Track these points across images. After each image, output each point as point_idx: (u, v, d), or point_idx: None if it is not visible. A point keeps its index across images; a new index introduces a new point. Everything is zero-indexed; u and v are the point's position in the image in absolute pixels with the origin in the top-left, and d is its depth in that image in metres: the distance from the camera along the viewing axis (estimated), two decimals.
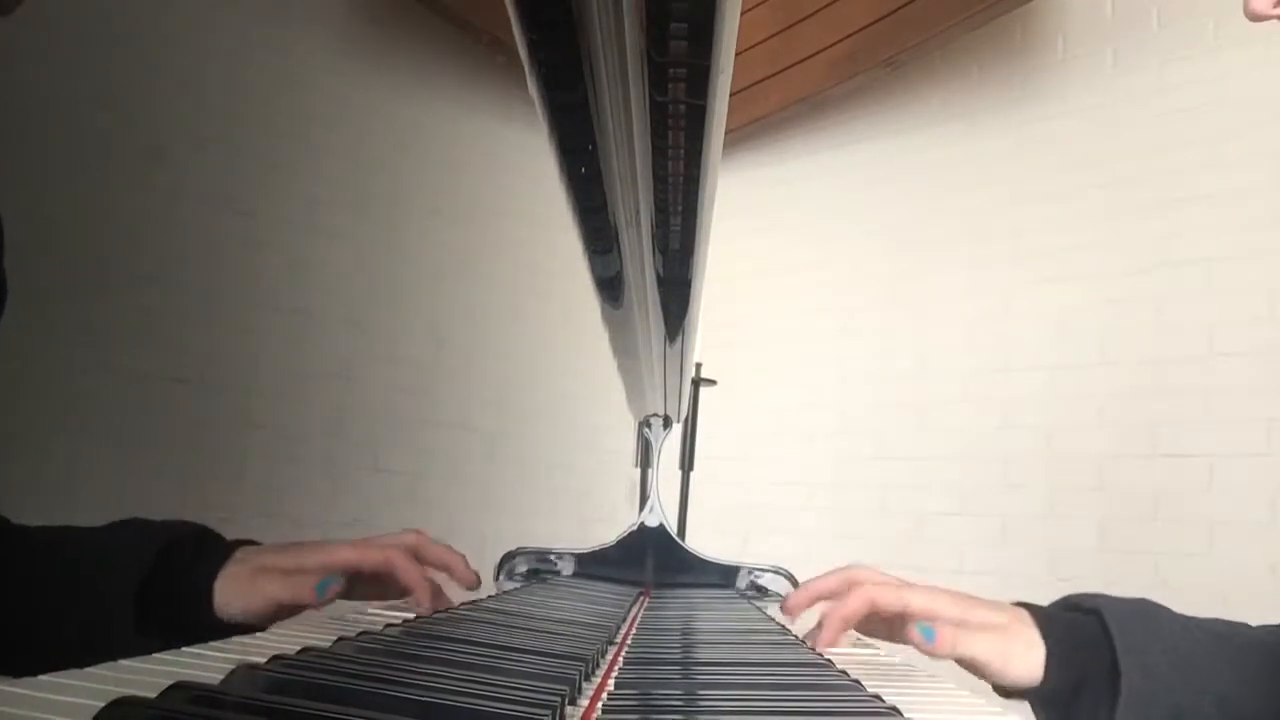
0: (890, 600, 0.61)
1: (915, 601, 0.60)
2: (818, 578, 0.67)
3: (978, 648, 0.56)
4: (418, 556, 0.64)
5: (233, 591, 0.57)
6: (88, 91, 1.88)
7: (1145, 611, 0.59)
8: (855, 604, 0.61)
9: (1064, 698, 0.57)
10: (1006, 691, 0.58)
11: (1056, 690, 0.56)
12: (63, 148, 1.82)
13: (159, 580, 0.57)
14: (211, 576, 0.58)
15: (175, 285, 2.02)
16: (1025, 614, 0.59)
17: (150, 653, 0.53)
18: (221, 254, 2.10)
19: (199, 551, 0.60)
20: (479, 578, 0.68)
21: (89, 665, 0.46)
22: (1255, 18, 0.55)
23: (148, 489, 1.89)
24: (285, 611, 0.58)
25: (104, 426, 1.88)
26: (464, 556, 0.67)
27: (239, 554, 0.60)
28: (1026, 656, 0.56)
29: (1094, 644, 0.57)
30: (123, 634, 0.56)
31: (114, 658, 0.52)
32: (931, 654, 0.56)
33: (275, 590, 0.57)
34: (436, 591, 0.64)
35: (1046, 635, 0.57)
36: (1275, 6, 0.54)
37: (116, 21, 1.94)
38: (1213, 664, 0.56)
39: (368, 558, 0.62)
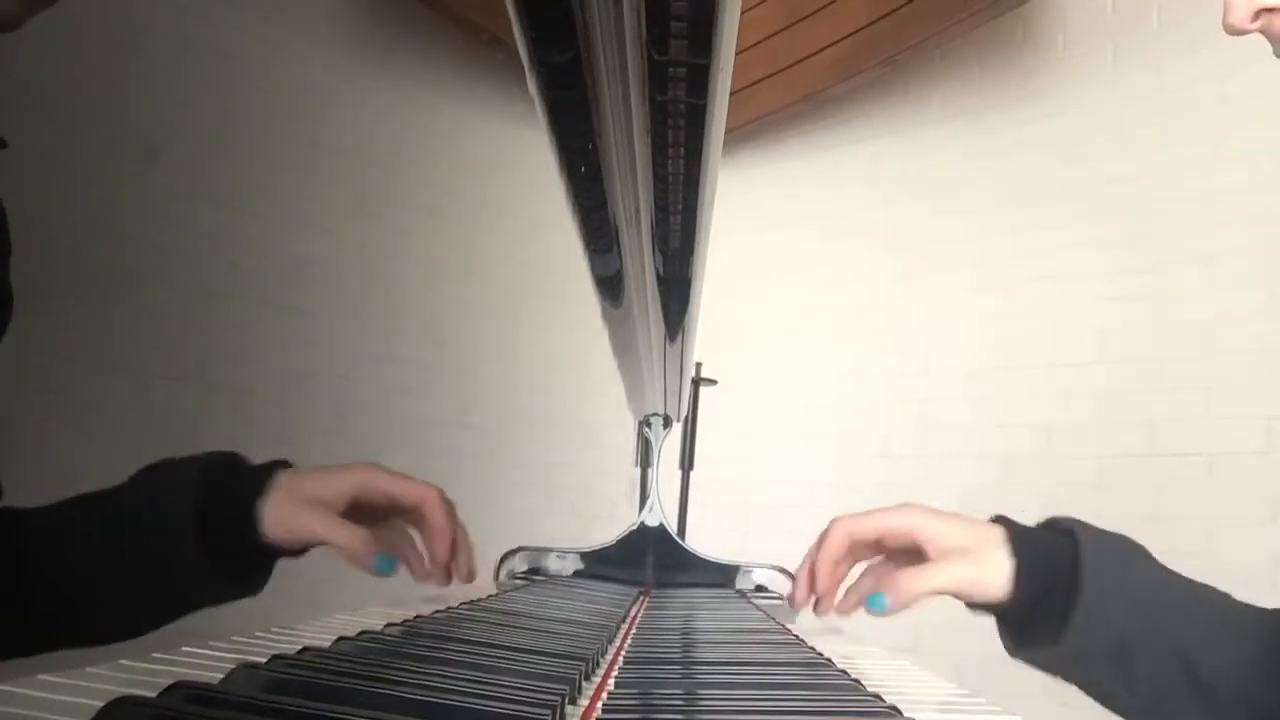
0: (867, 530, 0.62)
1: (892, 522, 0.61)
2: (807, 560, 0.66)
3: (948, 578, 0.58)
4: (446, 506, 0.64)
5: (276, 521, 0.58)
6: (86, 90, 1.88)
7: (1121, 544, 0.60)
8: (833, 540, 0.63)
9: (1023, 611, 0.58)
10: (974, 606, 0.60)
11: (1018, 604, 0.58)
12: (62, 147, 1.82)
13: (208, 515, 0.57)
14: (251, 502, 0.59)
15: (175, 285, 2.02)
16: (998, 532, 0.60)
17: (216, 590, 0.56)
18: (221, 253, 2.10)
19: (239, 478, 0.61)
20: (475, 575, 0.66)
21: (167, 618, 0.46)
22: (1233, 31, 0.55)
23: None
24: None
25: (103, 426, 1.88)
26: (470, 549, 0.66)
27: (281, 478, 0.61)
28: (994, 577, 0.58)
29: (1061, 563, 0.58)
30: (191, 576, 0.57)
31: (189, 605, 0.55)
32: (893, 613, 0.57)
33: (315, 527, 0.58)
34: (460, 547, 0.64)
35: (1017, 553, 0.58)
36: (1253, 20, 0.55)
37: (116, 21, 1.94)
38: (1176, 610, 0.57)
39: (406, 492, 0.62)
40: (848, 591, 0.63)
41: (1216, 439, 2.01)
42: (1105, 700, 0.58)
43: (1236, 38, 0.56)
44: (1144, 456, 2.11)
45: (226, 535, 0.58)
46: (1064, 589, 0.57)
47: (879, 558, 0.65)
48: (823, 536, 0.65)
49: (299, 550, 0.60)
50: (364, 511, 0.62)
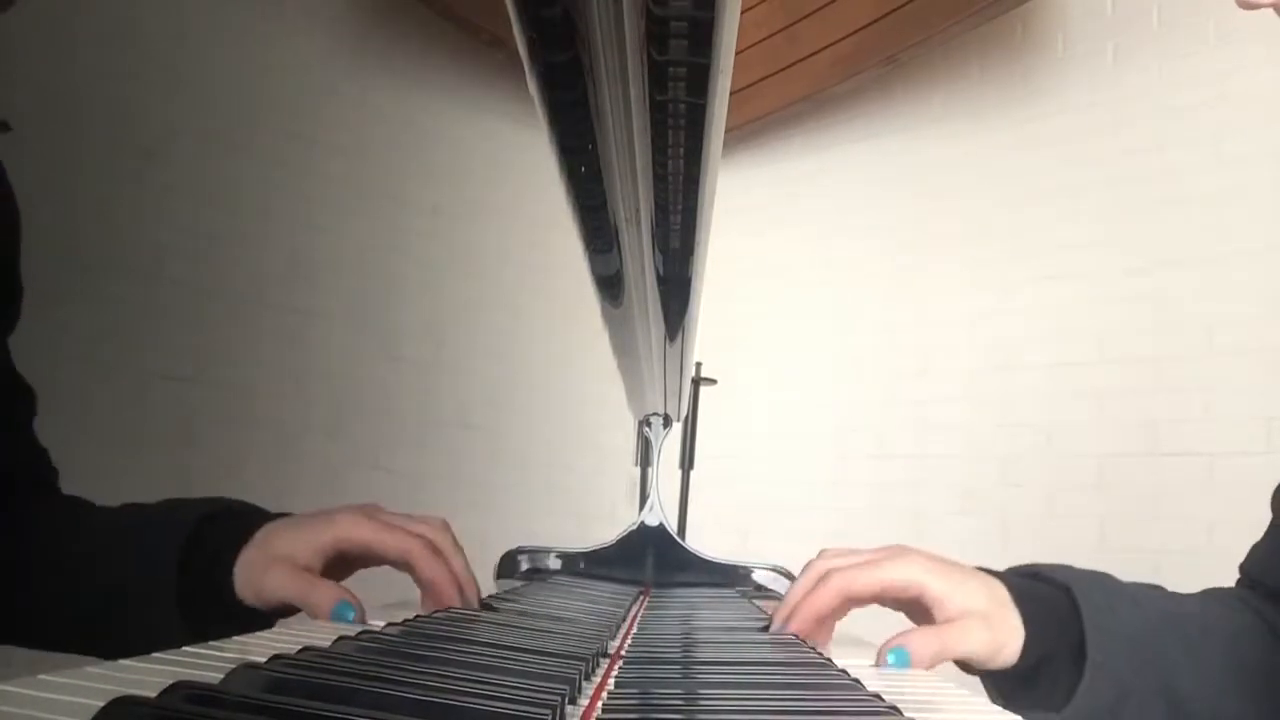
0: (865, 587, 0.56)
1: (893, 578, 0.56)
2: (791, 589, 0.60)
3: (965, 649, 0.54)
4: (435, 550, 0.59)
5: (246, 583, 0.55)
6: (86, 89, 1.88)
7: (1108, 589, 0.58)
8: (826, 597, 0.56)
9: (1024, 675, 0.55)
10: (970, 668, 0.56)
11: (1022, 669, 0.54)
12: (61, 146, 1.82)
13: (195, 561, 0.55)
14: (231, 558, 0.56)
15: (175, 284, 2.02)
16: (1003, 591, 0.56)
17: (198, 639, 0.53)
18: (221, 253, 2.10)
19: (224, 530, 0.58)
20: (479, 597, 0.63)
21: (128, 655, 0.46)
22: (1248, 6, 0.54)
23: (147, 489, 1.89)
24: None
25: (103, 426, 1.88)
26: (473, 577, 0.61)
27: (259, 534, 0.57)
28: (1009, 644, 0.54)
29: (1062, 621, 0.55)
30: (161, 619, 0.54)
31: (157, 645, 0.52)
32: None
33: (285, 591, 0.54)
34: (462, 582, 0.59)
35: (1024, 616, 0.55)
36: None
37: (116, 20, 1.94)
38: (1162, 649, 0.55)
39: (387, 545, 0.57)
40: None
41: (1216, 439, 2.01)
42: None
43: (1236, 28, 0.56)
44: (1144, 456, 2.11)
45: (202, 590, 0.55)
46: (1068, 650, 0.54)
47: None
48: (813, 582, 0.57)
49: (275, 613, 0.56)
50: (355, 562, 0.59)
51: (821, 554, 0.60)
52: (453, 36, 2.48)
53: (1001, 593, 0.55)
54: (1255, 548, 0.66)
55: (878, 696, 0.38)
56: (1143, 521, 2.06)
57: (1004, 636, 0.54)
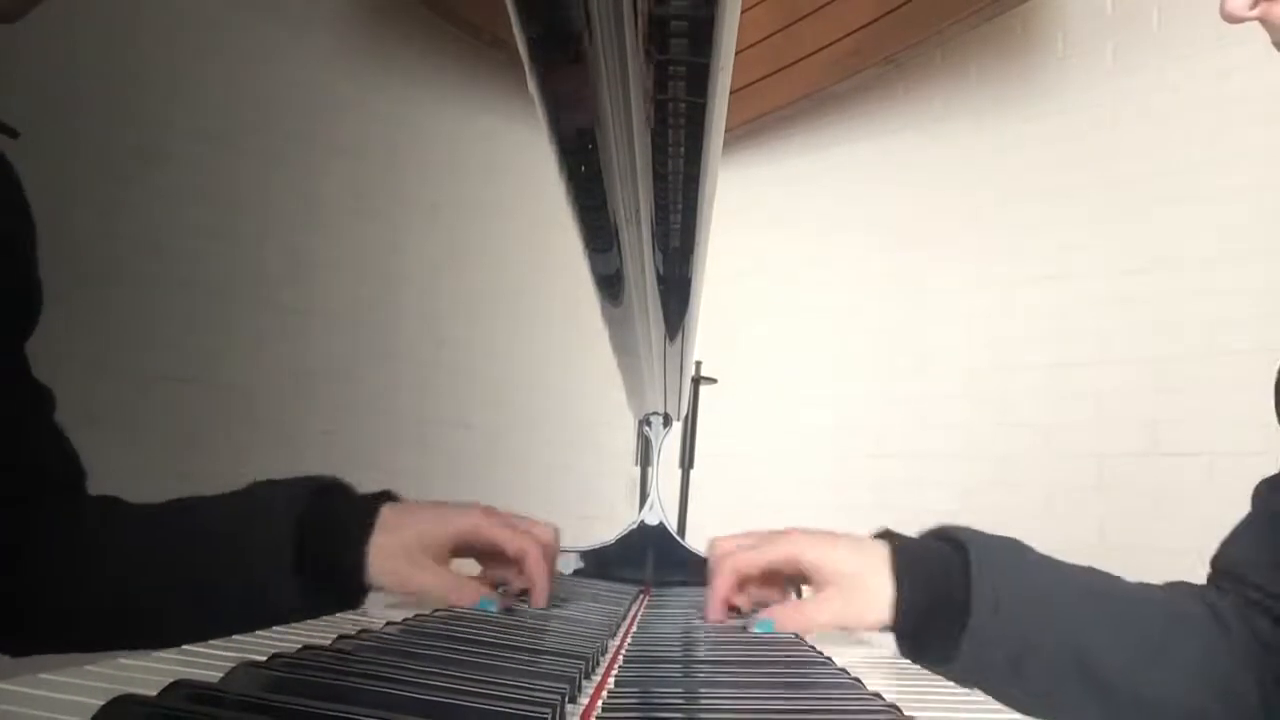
0: (750, 568, 0.64)
1: (773, 555, 0.63)
2: (711, 583, 0.67)
3: (822, 619, 0.59)
4: (547, 556, 0.66)
5: (385, 571, 0.58)
6: (86, 89, 1.88)
7: (1012, 550, 0.61)
8: (721, 581, 0.64)
9: (913, 627, 0.58)
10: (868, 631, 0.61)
11: (902, 627, 0.58)
12: (61, 146, 1.82)
13: (310, 539, 0.57)
14: (361, 543, 0.58)
15: (175, 284, 2.02)
16: (882, 552, 0.60)
17: (308, 617, 0.55)
18: (221, 252, 2.10)
19: (345, 512, 0.60)
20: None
21: (248, 630, 0.47)
22: (1231, 19, 0.55)
23: (147, 489, 1.89)
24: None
25: (103, 426, 1.88)
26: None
27: (387, 517, 0.60)
28: (870, 606, 0.58)
29: (950, 576, 0.58)
30: (285, 595, 0.56)
31: (273, 622, 0.53)
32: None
33: (427, 583, 0.59)
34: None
35: (900, 572, 0.58)
36: (1251, 8, 0.54)
37: (116, 20, 1.94)
38: (1071, 614, 0.58)
39: (510, 543, 0.64)
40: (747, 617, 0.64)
41: (1216, 439, 2.01)
42: (1001, 699, 0.55)
43: (1236, 28, 0.56)
44: (1144, 456, 2.10)
45: (327, 569, 0.58)
46: (955, 604, 0.57)
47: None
48: (712, 574, 0.65)
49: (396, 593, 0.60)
50: (468, 551, 0.65)
51: (711, 544, 0.69)
52: (453, 36, 2.48)
53: (874, 559, 0.59)
54: (1227, 541, 0.67)
55: (878, 696, 0.38)
56: (1143, 521, 2.05)
57: (864, 601, 0.58)
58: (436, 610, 0.59)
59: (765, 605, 0.66)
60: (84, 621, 0.59)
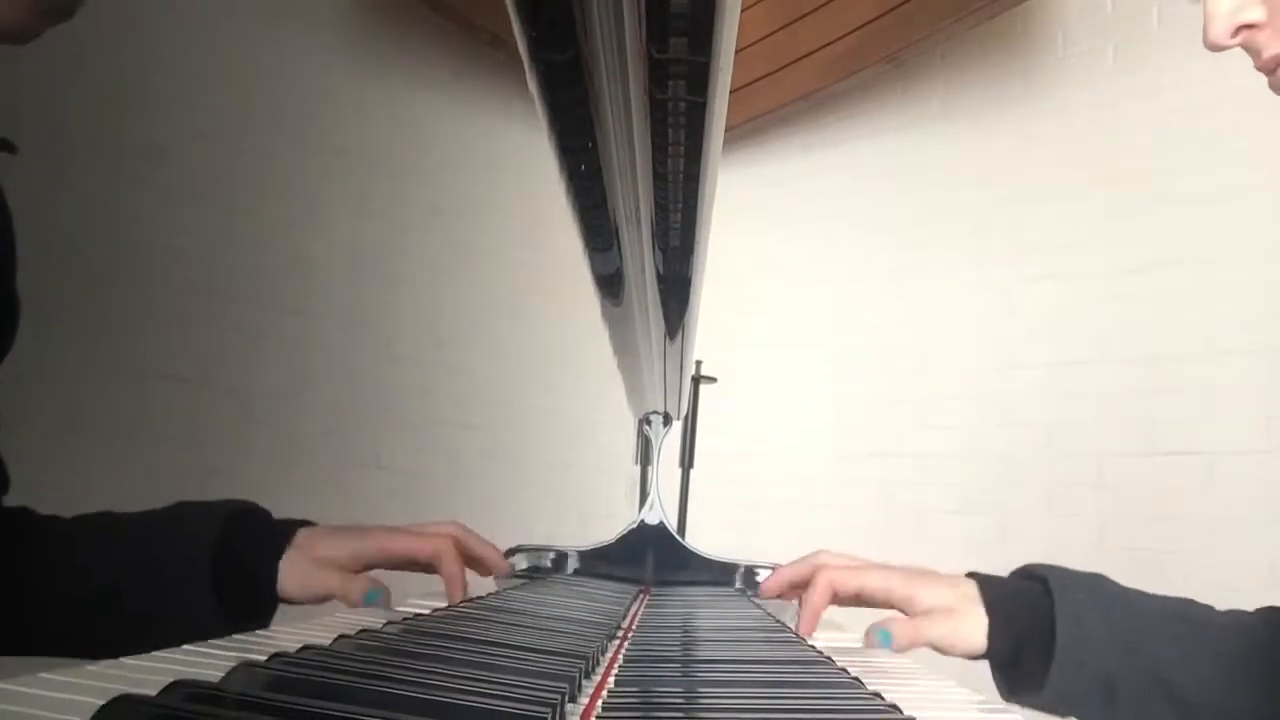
0: (846, 583, 0.67)
1: (870, 582, 0.67)
2: (788, 565, 0.73)
3: (931, 635, 0.63)
4: (460, 548, 0.70)
5: (293, 578, 0.64)
6: (86, 89, 1.88)
7: (1093, 583, 0.63)
8: (818, 592, 0.67)
9: (1006, 659, 0.63)
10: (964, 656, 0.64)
11: (999, 655, 0.62)
12: (61, 147, 1.82)
13: (227, 557, 0.62)
14: (275, 557, 0.64)
15: (175, 284, 2.02)
16: (973, 588, 0.64)
17: (217, 632, 0.56)
18: (221, 253, 2.10)
19: (261, 529, 0.66)
20: (511, 567, 0.75)
21: (160, 647, 0.49)
22: (1214, 48, 0.56)
23: (147, 489, 1.89)
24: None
25: (103, 426, 1.88)
26: (495, 547, 0.75)
27: (300, 538, 0.66)
28: (973, 632, 0.62)
29: (1036, 610, 0.61)
30: (198, 610, 0.60)
31: (189, 638, 0.55)
32: (894, 651, 0.62)
33: (331, 586, 0.64)
34: (488, 558, 0.73)
35: (990, 606, 0.63)
36: (1232, 36, 0.55)
37: (115, 20, 1.94)
38: (1155, 641, 0.59)
39: (420, 550, 0.69)
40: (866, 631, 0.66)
41: (1216, 439, 2.01)
42: None
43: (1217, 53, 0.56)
44: (1144, 456, 2.10)
45: (243, 584, 0.63)
46: (1042, 638, 0.60)
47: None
48: (807, 570, 0.69)
49: (302, 603, 0.65)
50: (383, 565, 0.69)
51: (819, 552, 0.71)
52: (453, 36, 2.48)
53: (969, 590, 0.64)
54: None
55: (878, 696, 0.38)
56: (1143, 521, 2.06)
57: (967, 627, 0.62)
58: (436, 610, 0.59)
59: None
60: (9, 629, 0.61)
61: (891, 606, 0.66)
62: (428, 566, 0.70)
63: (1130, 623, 0.60)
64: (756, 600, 0.83)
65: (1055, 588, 0.61)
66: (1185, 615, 0.62)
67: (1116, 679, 0.59)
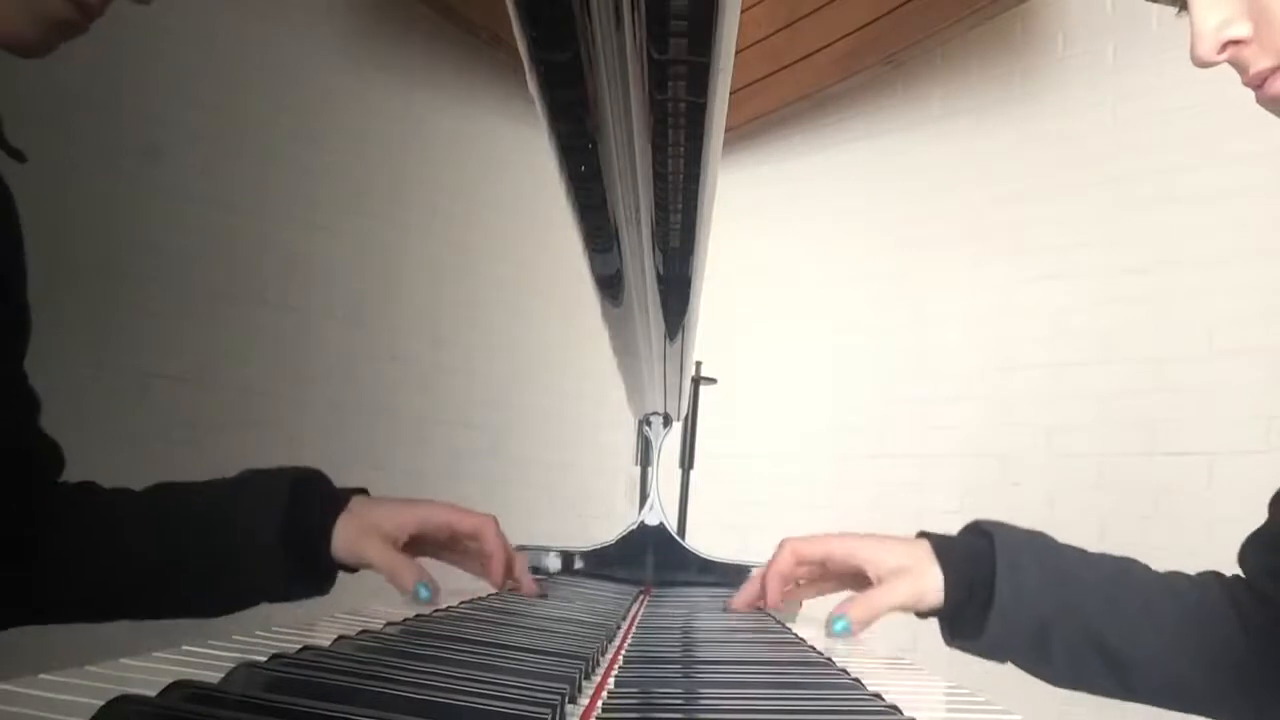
0: (811, 549, 0.72)
1: (834, 547, 0.71)
2: (753, 575, 0.76)
3: (890, 601, 0.67)
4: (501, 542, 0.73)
5: (342, 543, 0.68)
6: (85, 88, 1.88)
7: (1035, 541, 0.69)
8: (782, 557, 0.72)
9: (953, 611, 0.67)
10: (921, 613, 0.69)
11: (949, 607, 0.67)
12: (60, 145, 1.82)
13: (290, 524, 0.65)
14: (331, 521, 0.68)
15: (174, 283, 2.02)
16: (927, 547, 0.69)
17: (280, 596, 0.66)
18: (221, 252, 2.10)
19: (322, 497, 0.69)
20: (533, 587, 0.76)
21: (225, 610, 0.51)
22: (1201, 64, 0.56)
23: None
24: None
25: (103, 425, 1.88)
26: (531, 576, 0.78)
27: (354, 504, 0.69)
28: (932, 589, 0.67)
29: (980, 564, 0.66)
30: (265, 575, 0.65)
31: (261, 599, 0.65)
32: (858, 632, 0.66)
33: (373, 555, 0.67)
34: (509, 570, 0.74)
35: (943, 563, 0.67)
36: (1219, 52, 0.55)
37: (114, 19, 1.94)
38: (1088, 598, 0.65)
39: (461, 521, 0.72)
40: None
41: (1216, 439, 2.01)
42: (1031, 673, 0.67)
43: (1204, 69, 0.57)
44: (1144, 456, 2.10)
45: (304, 549, 0.67)
46: (984, 590, 0.65)
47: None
48: (774, 555, 0.73)
49: (355, 568, 0.69)
50: (429, 540, 0.73)
51: (782, 542, 0.75)
52: (453, 35, 2.48)
53: (923, 550, 0.68)
54: (1247, 541, 0.73)
55: (878, 696, 0.38)
56: (1143, 521, 2.05)
57: (924, 585, 0.67)
58: (436, 610, 0.59)
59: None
60: (82, 595, 0.66)
61: (856, 569, 0.70)
62: (460, 547, 0.73)
63: (1067, 580, 0.65)
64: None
65: (999, 544, 0.66)
66: (1120, 575, 0.67)
67: (1050, 631, 0.63)
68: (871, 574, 0.69)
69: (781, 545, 0.73)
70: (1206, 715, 0.65)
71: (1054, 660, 0.64)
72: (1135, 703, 0.66)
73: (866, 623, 0.66)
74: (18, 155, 0.64)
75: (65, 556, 0.65)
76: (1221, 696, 0.64)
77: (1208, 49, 0.54)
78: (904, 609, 0.67)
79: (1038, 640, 0.64)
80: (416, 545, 0.72)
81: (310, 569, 0.67)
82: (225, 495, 0.67)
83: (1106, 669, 0.64)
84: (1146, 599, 0.65)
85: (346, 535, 0.67)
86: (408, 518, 0.70)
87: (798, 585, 0.76)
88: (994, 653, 0.66)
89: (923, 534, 0.70)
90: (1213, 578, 0.69)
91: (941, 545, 0.68)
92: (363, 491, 0.72)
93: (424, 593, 0.66)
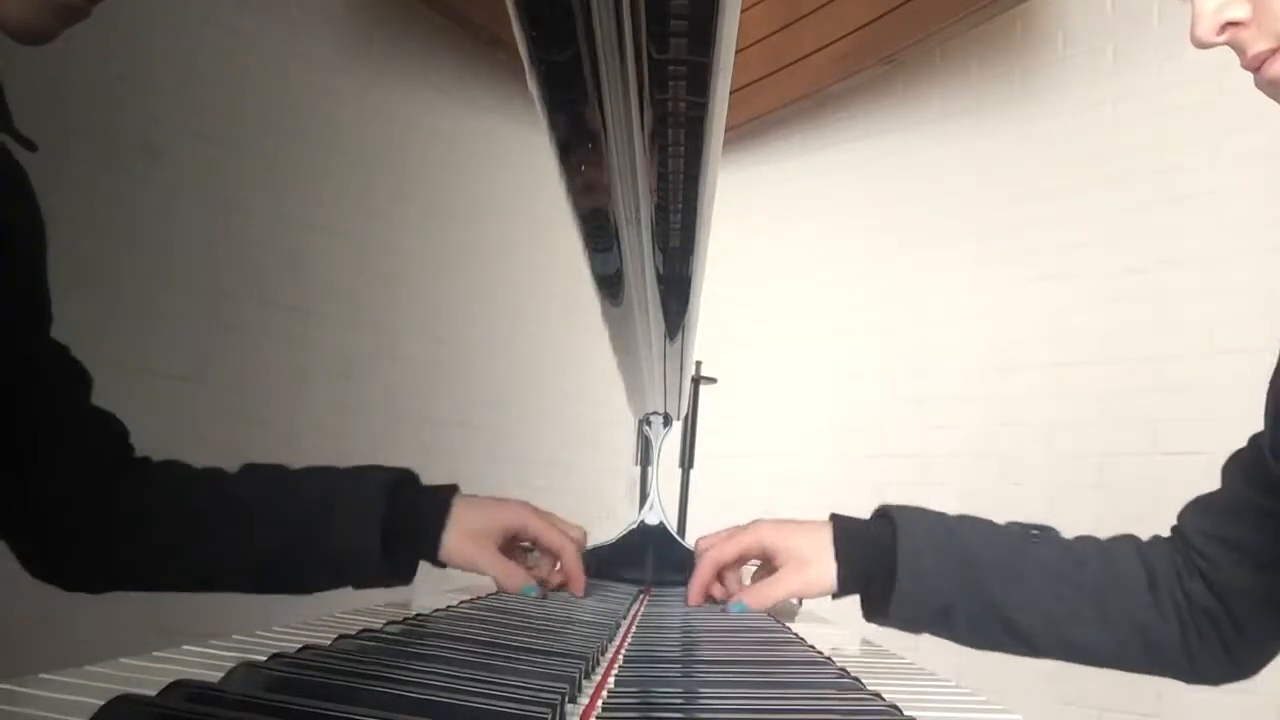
0: (727, 554, 0.79)
1: (747, 544, 0.78)
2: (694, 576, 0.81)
3: (781, 591, 0.74)
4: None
5: (455, 551, 0.72)
6: (85, 87, 1.88)
7: (936, 524, 0.73)
8: (702, 568, 0.78)
9: (861, 590, 0.73)
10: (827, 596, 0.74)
11: (848, 590, 0.73)
12: (60, 145, 1.82)
13: (393, 522, 0.69)
14: (437, 527, 0.71)
15: (174, 283, 2.02)
16: (828, 534, 0.74)
17: (379, 578, 0.69)
18: (220, 252, 2.10)
19: (421, 500, 0.73)
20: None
21: (326, 587, 0.63)
22: (1200, 45, 0.57)
23: None
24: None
25: None
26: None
27: (458, 509, 0.73)
28: (822, 578, 0.72)
29: (881, 548, 0.72)
30: (369, 560, 0.68)
31: (348, 582, 0.68)
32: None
33: (483, 562, 0.72)
34: (574, 586, 0.78)
35: (840, 553, 0.73)
36: (1219, 34, 0.56)
37: (114, 18, 1.94)
38: (985, 575, 0.69)
39: (548, 537, 0.78)
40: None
41: (1216, 439, 2.00)
42: (943, 638, 0.72)
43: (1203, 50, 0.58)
44: (1144, 456, 2.10)
45: (406, 545, 0.70)
46: (887, 572, 0.70)
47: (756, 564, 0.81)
48: (696, 566, 0.79)
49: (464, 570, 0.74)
50: (513, 542, 0.77)
51: (695, 543, 0.83)
52: (453, 35, 2.48)
53: (824, 538, 0.74)
54: (1190, 505, 0.77)
55: (878, 696, 0.38)
56: (1143, 521, 2.05)
57: (815, 574, 0.73)
58: (436, 610, 0.59)
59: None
60: (166, 565, 0.71)
61: (766, 556, 0.78)
62: (549, 557, 0.78)
63: (965, 560, 0.70)
64: None
65: (900, 530, 0.71)
66: (1019, 550, 0.71)
67: (952, 606, 0.69)
68: (777, 562, 0.75)
69: (701, 557, 0.79)
70: (1113, 668, 0.70)
71: (958, 632, 0.70)
72: (1046, 659, 0.71)
73: (760, 608, 0.74)
74: (28, 144, 0.64)
75: (175, 533, 0.70)
76: (1126, 653, 0.68)
77: (1207, 30, 0.55)
78: (796, 597, 0.77)
79: (941, 615, 0.70)
80: (506, 545, 0.77)
81: (405, 569, 0.71)
82: (326, 495, 0.71)
83: (1009, 636, 0.69)
84: (1045, 571, 0.69)
85: (459, 544, 0.72)
86: (504, 523, 0.75)
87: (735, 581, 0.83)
88: (905, 626, 0.71)
89: (834, 516, 0.77)
90: (1125, 541, 0.75)
91: (843, 534, 0.74)
92: (453, 489, 0.75)
93: (532, 593, 0.72)
